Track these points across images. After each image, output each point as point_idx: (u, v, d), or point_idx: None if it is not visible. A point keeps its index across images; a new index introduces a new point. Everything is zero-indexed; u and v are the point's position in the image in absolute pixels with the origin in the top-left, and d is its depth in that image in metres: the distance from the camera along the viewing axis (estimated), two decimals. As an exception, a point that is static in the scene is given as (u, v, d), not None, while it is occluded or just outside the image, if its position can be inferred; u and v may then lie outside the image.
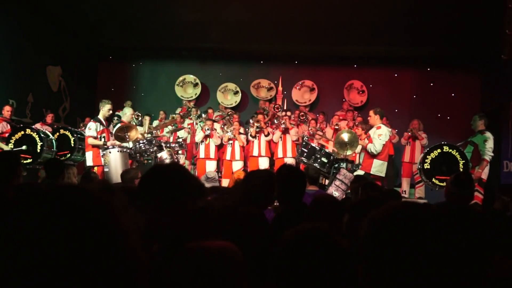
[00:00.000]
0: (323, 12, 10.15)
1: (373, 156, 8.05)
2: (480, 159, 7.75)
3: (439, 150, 7.80)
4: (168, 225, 1.81)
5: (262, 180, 3.22)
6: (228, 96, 13.66)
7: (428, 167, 7.81)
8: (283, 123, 10.72)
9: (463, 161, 7.60)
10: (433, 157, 7.80)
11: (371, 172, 7.98)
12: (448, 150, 7.74)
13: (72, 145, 8.67)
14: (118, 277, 0.82)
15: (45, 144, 8.13)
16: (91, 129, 8.47)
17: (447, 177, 7.48)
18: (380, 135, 8.03)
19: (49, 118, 10.55)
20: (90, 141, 8.47)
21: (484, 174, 7.76)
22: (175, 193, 1.89)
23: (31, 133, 8.24)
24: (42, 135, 8.23)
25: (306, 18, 10.46)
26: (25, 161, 7.97)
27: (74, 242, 0.77)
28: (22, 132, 8.27)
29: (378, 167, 8.02)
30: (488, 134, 7.83)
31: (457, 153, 7.67)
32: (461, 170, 7.43)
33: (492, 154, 7.82)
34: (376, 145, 7.95)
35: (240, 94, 13.66)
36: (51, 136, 8.49)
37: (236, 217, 2.50)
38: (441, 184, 7.67)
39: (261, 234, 2.46)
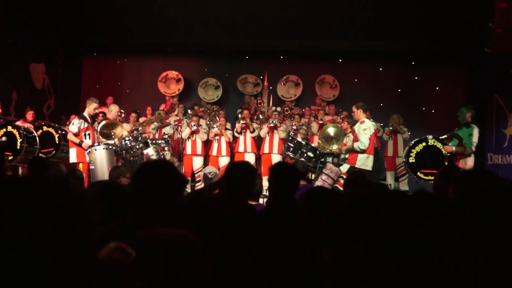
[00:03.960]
0: (308, 7, 10.16)
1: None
2: (465, 151, 7.77)
3: (424, 144, 7.80)
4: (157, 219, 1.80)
5: (244, 173, 3.33)
6: (209, 91, 13.60)
7: (413, 160, 7.80)
8: (272, 121, 10.68)
9: (448, 154, 7.64)
10: (418, 150, 7.79)
11: (356, 166, 7.86)
12: (433, 143, 7.75)
13: (57, 141, 8.59)
14: (65, 262, 0.84)
15: (24, 141, 8.04)
16: (74, 124, 8.40)
17: (432, 171, 7.56)
18: (365, 129, 7.97)
19: (29, 115, 10.24)
20: (69, 136, 8.39)
21: (469, 167, 7.72)
22: (165, 187, 1.89)
23: (12, 130, 8.16)
24: (23, 132, 8.13)
25: (291, 13, 10.45)
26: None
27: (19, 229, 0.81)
28: (4, 130, 8.18)
29: (364, 161, 7.91)
30: (474, 127, 7.70)
31: (442, 146, 7.71)
32: (446, 163, 7.46)
33: (474, 149, 7.72)
34: (363, 141, 7.83)
35: (221, 89, 13.61)
36: (34, 133, 8.39)
37: (226, 211, 2.50)
38: (426, 177, 7.70)
39: (251, 227, 2.46)
